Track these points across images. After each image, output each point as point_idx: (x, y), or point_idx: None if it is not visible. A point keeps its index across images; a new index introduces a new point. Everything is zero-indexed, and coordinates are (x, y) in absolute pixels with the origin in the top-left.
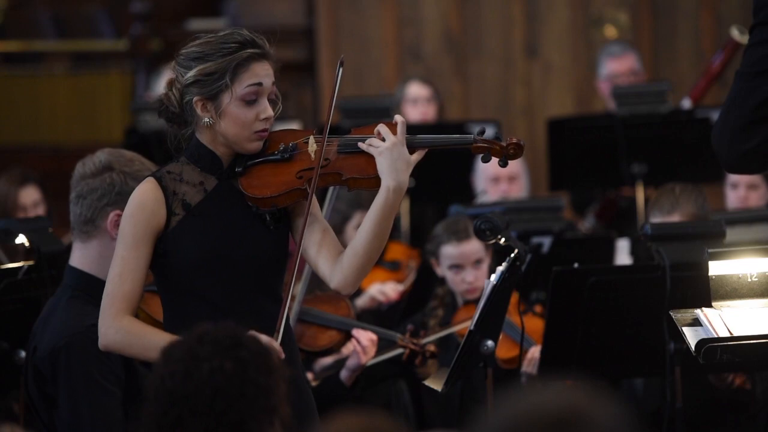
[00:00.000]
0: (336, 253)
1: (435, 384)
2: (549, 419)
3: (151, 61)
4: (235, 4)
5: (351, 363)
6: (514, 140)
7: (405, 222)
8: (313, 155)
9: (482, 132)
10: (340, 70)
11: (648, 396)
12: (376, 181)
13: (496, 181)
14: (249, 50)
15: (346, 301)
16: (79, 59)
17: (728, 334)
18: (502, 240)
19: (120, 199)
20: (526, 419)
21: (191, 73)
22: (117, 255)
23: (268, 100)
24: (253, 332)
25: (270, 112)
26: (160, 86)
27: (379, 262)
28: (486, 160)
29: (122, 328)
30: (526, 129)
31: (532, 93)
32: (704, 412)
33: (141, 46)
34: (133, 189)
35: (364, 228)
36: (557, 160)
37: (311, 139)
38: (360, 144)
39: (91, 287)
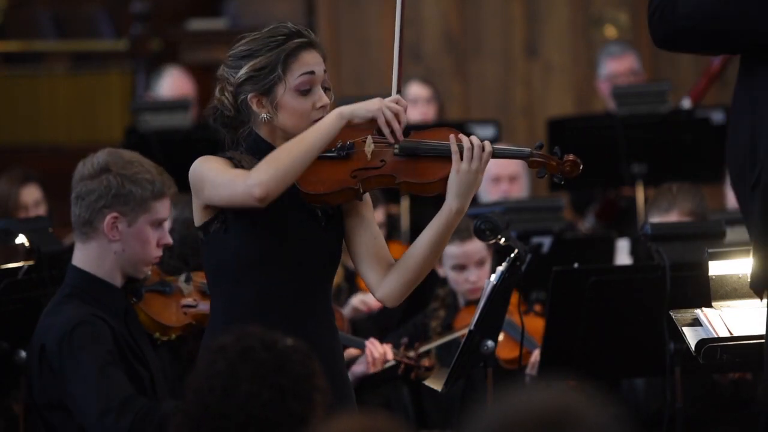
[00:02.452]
0: (385, 264)
1: (435, 384)
2: (539, 419)
3: (151, 61)
4: (235, 4)
5: (357, 369)
6: (571, 157)
7: (405, 222)
8: (369, 155)
9: (540, 146)
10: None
11: (649, 397)
12: (429, 187)
13: (496, 181)
14: (296, 40)
15: (339, 312)
16: (79, 59)
17: (728, 334)
18: (502, 240)
19: (116, 202)
20: (516, 419)
21: (243, 71)
22: (212, 171)
23: (326, 87)
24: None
25: (326, 99)
26: (160, 86)
27: None
28: (541, 175)
29: (260, 171)
30: (526, 129)
31: (532, 93)
32: (704, 411)
33: (141, 46)
34: (131, 191)
35: (419, 244)
36: None
37: (369, 139)
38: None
39: (90, 286)
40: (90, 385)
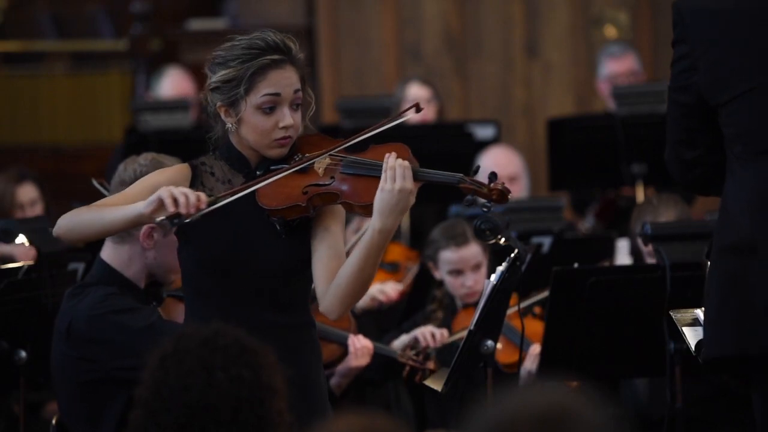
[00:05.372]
0: (333, 278)
1: (435, 384)
2: (536, 417)
3: (151, 61)
4: (235, 4)
5: (341, 368)
6: (500, 186)
7: (405, 222)
8: (321, 172)
9: (476, 171)
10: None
11: (649, 397)
12: (366, 209)
13: None
14: (268, 57)
15: (348, 315)
16: (79, 59)
17: None
18: (502, 240)
19: None
20: (513, 417)
21: (213, 78)
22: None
23: (296, 105)
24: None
25: (289, 120)
26: (160, 86)
27: None
28: (469, 202)
29: (67, 214)
30: (526, 129)
31: (532, 93)
32: (704, 412)
33: (141, 46)
34: None
35: (349, 261)
36: (557, 160)
37: (325, 154)
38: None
39: (115, 281)
40: (145, 343)
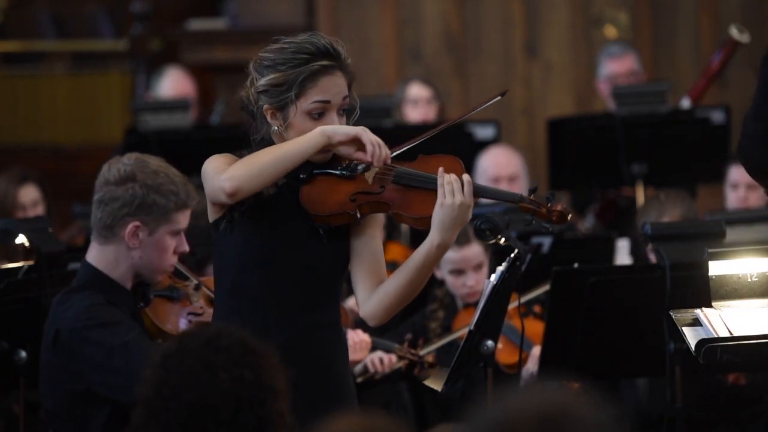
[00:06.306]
0: (376, 283)
1: (435, 384)
2: (536, 417)
3: (151, 61)
4: (235, 4)
5: None
6: (559, 207)
7: None
8: (370, 180)
9: (533, 190)
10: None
11: (649, 397)
12: (420, 222)
13: (496, 182)
14: (319, 63)
15: (343, 308)
16: (79, 59)
17: (728, 334)
18: (502, 240)
19: (140, 211)
20: (513, 417)
21: (262, 81)
22: (209, 166)
23: (343, 110)
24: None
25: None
26: (160, 86)
27: None
28: (529, 222)
29: (235, 168)
30: (526, 129)
31: (532, 93)
32: (704, 412)
33: (141, 46)
34: (155, 202)
35: (400, 272)
36: (557, 160)
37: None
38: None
39: (101, 284)
40: (119, 362)
